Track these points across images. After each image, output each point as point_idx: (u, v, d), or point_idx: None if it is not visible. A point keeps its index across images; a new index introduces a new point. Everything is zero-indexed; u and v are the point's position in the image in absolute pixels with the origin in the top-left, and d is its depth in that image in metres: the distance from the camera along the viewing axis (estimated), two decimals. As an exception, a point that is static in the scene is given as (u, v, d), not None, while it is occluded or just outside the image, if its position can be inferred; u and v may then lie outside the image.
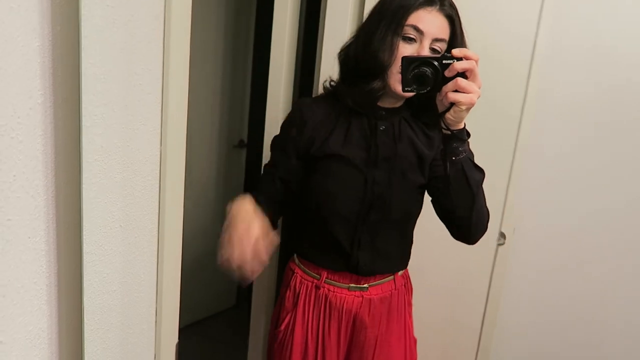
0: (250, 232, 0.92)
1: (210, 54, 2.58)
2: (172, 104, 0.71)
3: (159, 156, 0.70)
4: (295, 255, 1.24)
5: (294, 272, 1.22)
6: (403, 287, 1.24)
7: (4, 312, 0.48)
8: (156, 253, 0.73)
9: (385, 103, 1.10)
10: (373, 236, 1.13)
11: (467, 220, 1.06)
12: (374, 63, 1.02)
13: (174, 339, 0.81)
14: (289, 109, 1.57)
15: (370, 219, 1.12)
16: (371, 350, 1.19)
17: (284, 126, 1.19)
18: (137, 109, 0.64)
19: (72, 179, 0.56)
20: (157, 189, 0.71)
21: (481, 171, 1.04)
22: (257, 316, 2.08)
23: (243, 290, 3.21)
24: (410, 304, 1.28)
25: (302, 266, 1.21)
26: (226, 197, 2.91)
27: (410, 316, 1.28)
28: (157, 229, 0.72)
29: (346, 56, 1.11)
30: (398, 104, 1.12)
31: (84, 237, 0.55)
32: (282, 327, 1.21)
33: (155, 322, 0.74)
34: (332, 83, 1.17)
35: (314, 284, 1.18)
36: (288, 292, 1.21)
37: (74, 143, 0.55)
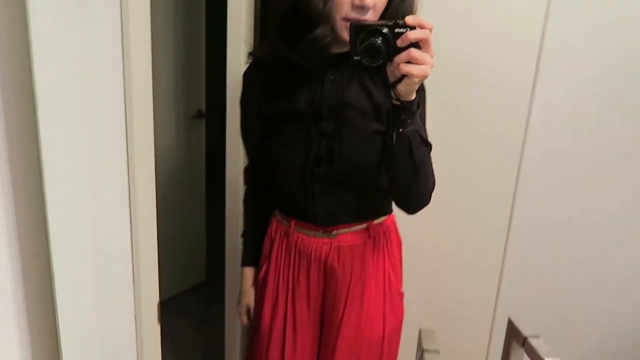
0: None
1: (161, 24, 2.46)
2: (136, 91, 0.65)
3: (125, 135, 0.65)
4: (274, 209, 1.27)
5: (271, 221, 1.25)
6: (380, 235, 1.20)
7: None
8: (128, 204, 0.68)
9: (335, 49, 1.02)
10: (326, 189, 1.11)
11: (405, 193, 1.06)
12: (310, 11, 0.96)
13: (155, 297, 0.76)
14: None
15: (320, 173, 1.09)
16: (343, 300, 1.17)
17: (241, 104, 1.20)
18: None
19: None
20: (126, 159, 0.66)
21: (428, 145, 1.01)
22: (231, 290, 2.05)
23: (213, 266, 3.16)
24: (392, 254, 1.23)
25: (277, 214, 1.24)
26: (187, 168, 2.85)
27: (394, 268, 1.24)
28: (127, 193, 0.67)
29: (280, 10, 1.03)
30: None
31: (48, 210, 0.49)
32: (261, 275, 1.24)
33: (134, 280, 0.69)
34: (268, 45, 1.11)
35: (285, 231, 1.20)
36: (267, 239, 1.25)
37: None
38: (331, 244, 1.15)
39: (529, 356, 0.50)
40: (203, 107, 2.88)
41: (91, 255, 0.57)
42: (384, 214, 1.22)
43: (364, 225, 1.17)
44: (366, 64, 0.86)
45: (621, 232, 1.79)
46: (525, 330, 0.50)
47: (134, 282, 0.69)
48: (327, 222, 1.15)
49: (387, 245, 1.22)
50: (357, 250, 1.17)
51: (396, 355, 1.27)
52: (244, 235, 1.32)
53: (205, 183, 3.06)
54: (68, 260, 0.52)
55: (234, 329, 2.09)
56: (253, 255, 1.29)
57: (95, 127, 0.59)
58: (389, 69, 0.87)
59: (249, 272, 1.29)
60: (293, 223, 1.18)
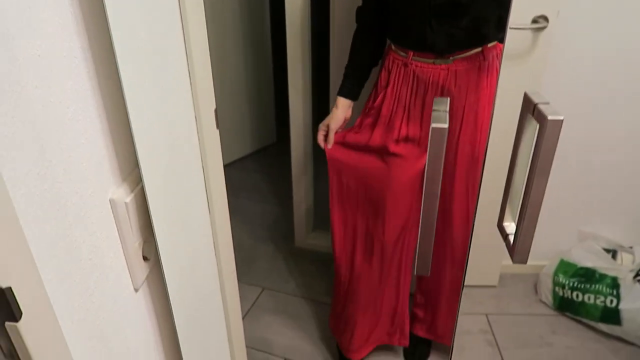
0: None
1: None
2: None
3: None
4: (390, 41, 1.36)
5: (388, 54, 1.34)
6: (494, 58, 1.26)
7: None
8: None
9: None
10: (444, 18, 1.18)
11: None
12: None
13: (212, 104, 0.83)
14: None
15: (438, 3, 1.16)
16: (459, 120, 1.28)
17: None
18: None
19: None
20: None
21: None
22: (297, 150, 2.17)
23: (282, 128, 3.30)
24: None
25: (394, 47, 1.32)
26: (254, 37, 2.86)
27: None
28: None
29: None
30: None
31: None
32: (376, 103, 1.34)
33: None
34: None
35: (403, 62, 1.29)
36: (383, 71, 1.35)
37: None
38: (448, 69, 1.24)
39: (537, 122, 0.52)
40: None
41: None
42: (496, 39, 1.25)
43: (478, 49, 1.23)
44: None
45: None
46: (536, 99, 0.52)
47: (192, 89, 0.77)
48: (445, 50, 1.22)
49: (495, 71, 1.27)
50: (472, 73, 1.24)
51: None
52: (347, 68, 1.41)
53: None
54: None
55: (300, 181, 2.25)
56: (350, 88, 1.39)
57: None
58: None
59: (342, 100, 1.39)
60: (411, 54, 1.26)
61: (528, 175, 0.53)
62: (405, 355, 1.72)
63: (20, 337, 0.43)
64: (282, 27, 1.98)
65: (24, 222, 0.44)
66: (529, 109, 0.53)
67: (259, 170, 3.06)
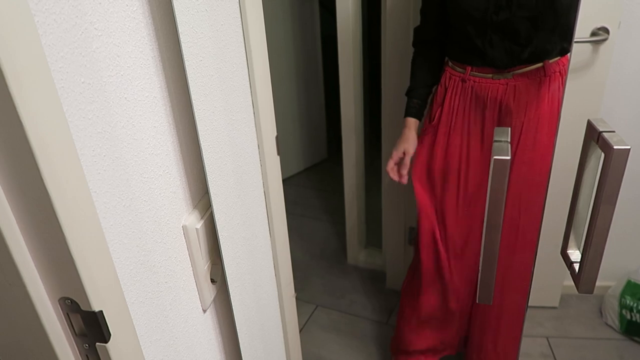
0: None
1: None
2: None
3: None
4: (447, 58, 1.35)
5: (444, 71, 1.33)
6: (557, 74, 1.22)
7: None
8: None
9: None
10: (505, 34, 1.16)
11: None
12: None
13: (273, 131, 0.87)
14: None
15: (499, 19, 1.15)
16: (516, 137, 1.25)
17: None
18: None
19: None
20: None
21: None
22: (349, 164, 2.19)
23: (333, 144, 3.34)
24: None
25: (451, 64, 1.31)
26: (305, 54, 2.93)
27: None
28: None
29: None
30: None
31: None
32: (434, 121, 1.33)
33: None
34: None
35: (461, 77, 1.27)
36: (439, 88, 1.34)
37: None
38: (507, 84, 1.22)
39: (602, 151, 0.51)
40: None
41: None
42: (560, 54, 1.22)
43: (539, 65, 1.20)
44: None
45: None
46: (600, 127, 0.51)
47: (255, 119, 0.81)
48: (504, 65, 1.20)
49: (559, 86, 1.24)
50: (532, 88, 1.21)
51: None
52: (410, 90, 1.38)
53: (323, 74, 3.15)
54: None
55: (352, 197, 2.27)
56: (418, 107, 1.37)
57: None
58: None
59: (411, 121, 1.36)
60: (469, 69, 1.25)
61: (593, 203, 0.52)
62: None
63: (109, 356, 0.47)
64: (333, 42, 2.02)
65: (112, 251, 0.48)
66: (593, 137, 0.53)
67: (310, 186, 3.10)
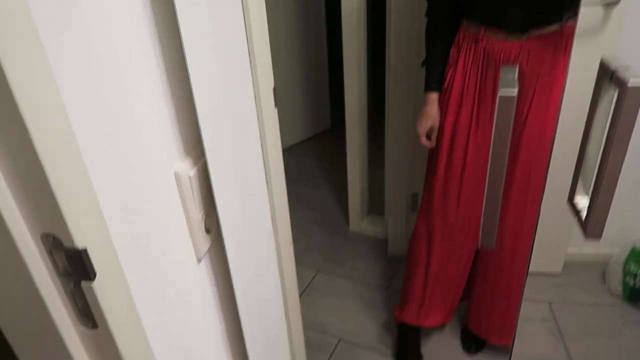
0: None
1: None
2: None
3: None
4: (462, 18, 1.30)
5: (459, 31, 1.29)
6: (570, 37, 1.18)
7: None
8: None
9: None
10: None
11: None
12: None
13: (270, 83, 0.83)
14: None
15: None
16: (528, 101, 1.21)
17: None
18: None
19: None
20: None
21: None
22: (352, 135, 2.15)
23: (336, 114, 3.29)
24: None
25: (465, 24, 1.27)
26: (308, 22, 2.86)
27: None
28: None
29: None
30: None
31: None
32: (446, 83, 1.30)
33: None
34: None
35: (474, 37, 1.24)
36: (453, 48, 1.30)
37: None
38: (522, 46, 1.18)
39: (616, 87, 0.48)
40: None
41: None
42: (573, 16, 1.18)
43: (556, 27, 1.16)
44: None
45: None
46: (614, 64, 0.48)
47: (252, 69, 0.78)
48: (518, 26, 1.16)
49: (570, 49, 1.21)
50: (547, 53, 1.17)
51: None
52: (427, 62, 1.35)
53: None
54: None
55: (355, 165, 2.24)
56: (437, 79, 1.32)
57: None
58: None
59: (433, 96, 1.33)
60: (482, 30, 1.21)
61: (605, 144, 0.49)
62: (463, 341, 1.69)
63: (95, 296, 0.45)
64: (337, 10, 1.96)
65: (98, 189, 0.46)
66: (607, 75, 0.50)
67: (313, 156, 3.08)
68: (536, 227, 1.28)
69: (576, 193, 0.55)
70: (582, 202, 0.55)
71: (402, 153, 1.94)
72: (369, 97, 2.19)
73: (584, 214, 0.53)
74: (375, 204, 2.39)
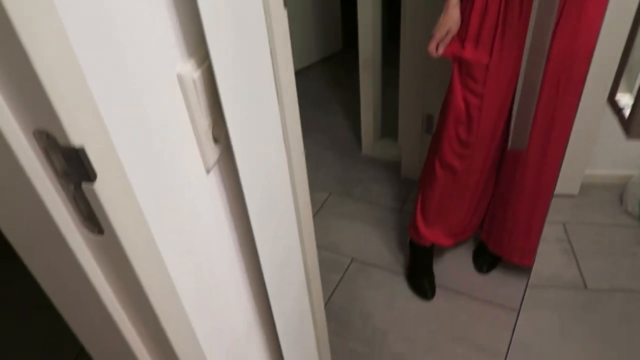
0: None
1: None
2: None
3: None
4: None
5: None
6: None
7: None
8: None
9: None
10: None
11: None
12: None
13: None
14: None
15: None
16: (560, 5, 1.13)
17: None
18: None
19: None
20: None
21: None
22: (364, 53, 2.05)
23: (347, 34, 3.15)
24: None
25: None
26: None
27: None
28: None
29: None
30: None
31: None
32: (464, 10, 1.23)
33: None
34: None
35: None
36: None
37: None
38: None
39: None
40: None
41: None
42: None
43: None
44: None
45: None
46: None
47: None
48: None
49: None
50: None
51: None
52: None
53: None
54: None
55: (368, 87, 2.16)
56: None
57: None
58: None
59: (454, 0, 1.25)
60: None
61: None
62: (475, 261, 1.70)
63: (97, 198, 0.42)
64: None
65: (89, 79, 0.42)
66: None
67: (323, 78, 2.99)
68: (566, 146, 1.23)
69: (618, 90, 0.50)
70: (625, 99, 0.50)
71: (418, 72, 1.85)
72: (383, 14, 2.07)
73: (626, 113, 0.48)
74: (389, 126, 2.33)
